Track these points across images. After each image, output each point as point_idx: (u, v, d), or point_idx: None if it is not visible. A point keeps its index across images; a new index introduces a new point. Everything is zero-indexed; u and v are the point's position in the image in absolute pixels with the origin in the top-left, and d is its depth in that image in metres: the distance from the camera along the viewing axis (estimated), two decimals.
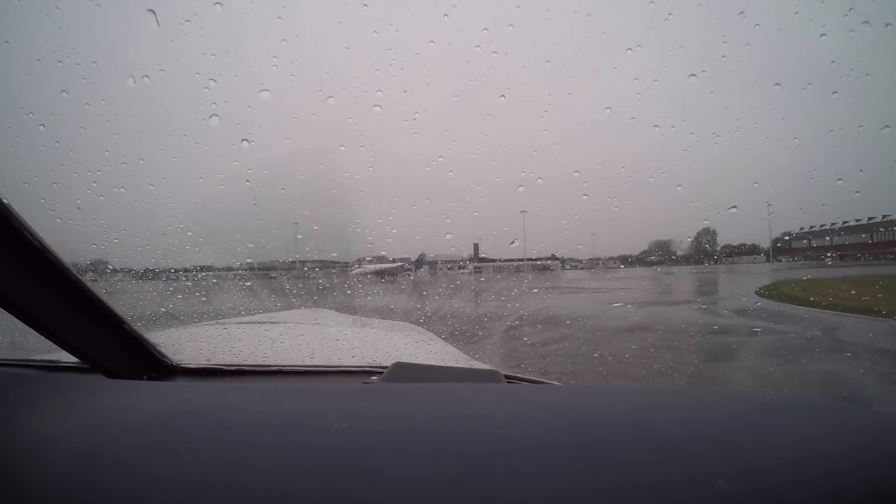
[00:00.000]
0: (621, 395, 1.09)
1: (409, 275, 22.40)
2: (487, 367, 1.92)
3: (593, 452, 0.71)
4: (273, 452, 0.72)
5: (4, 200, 0.96)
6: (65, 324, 1.18)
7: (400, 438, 0.78)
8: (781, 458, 0.67)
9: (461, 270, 24.89)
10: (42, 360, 1.57)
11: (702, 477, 0.62)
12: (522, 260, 22.72)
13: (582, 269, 29.27)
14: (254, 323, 2.86)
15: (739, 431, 0.80)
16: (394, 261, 22.17)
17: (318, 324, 3.06)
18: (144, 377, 1.42)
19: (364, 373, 1.62)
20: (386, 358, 1.90)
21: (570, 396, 1.15)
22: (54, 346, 1.21)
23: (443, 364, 2.00)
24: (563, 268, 28.50)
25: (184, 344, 1.89)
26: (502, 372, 1.46)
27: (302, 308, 6.00)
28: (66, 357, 1.36)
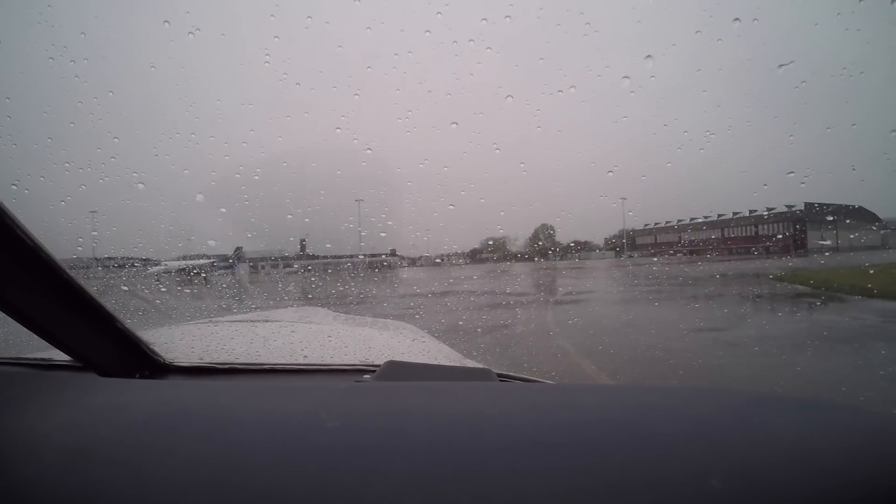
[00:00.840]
0: (614, 394, 1.10)
1: (228, 273, 19.71)
2: (480, 365, 1.92)
3: (586, 451, 0.71)
4: (265, 451, 0.73)
5: None
6: (57, 322, 1.18)
7: (392, 437, 0.79)
8: (775, 457, 0.68)
9: (286, 269, 21.77)
10: (34, 359, 1.57)
11: (695, 475, 0.63)
12: (357, 256, 20.99)
13: (422, 265, 25.36)
14: (247, 321, 2.85)
15: (733, 430, 0.80)
16: (210, 258, 19.46)
17: (310, 322, 3.05)
18: (137, 375, 1.42)
19: (357, 371, 1.62)
20: (379, 356, 1.90)
21: (563, 395, 1.15)
22: (46, 344, 1.21)
23: (436, 362, 2.00)
24: (402, 265, 25.35)
25: (176, 342, 1.88)
26: (495, 370, 1.47)
27: (295, 306, 5.99)
28: (59, 355, 1.36)
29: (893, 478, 0.63)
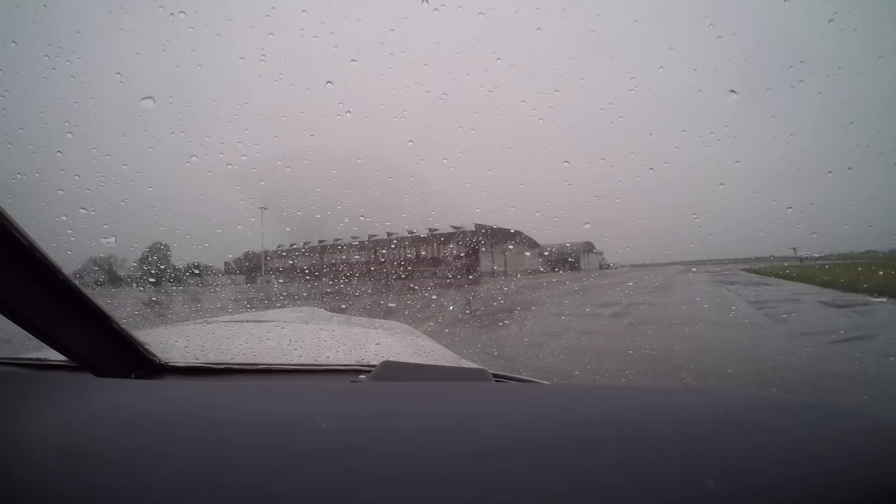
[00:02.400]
0: (610, 395, 1.10)
1: None
2: (476, 366, 1.92)
3: (581, 452, 0.72)
4: (261, 451, 0.73)
5: None
6: (53, 322, 1.18)
7: (388, 437, 0.79)
8: (770, 459, 0.68)
9: None
10: (30, 359, 1.56)
11: (690, 477, 0.63)
12: None
13: None
14: (242, 321, 2.84)
15: (728, 431, 0.81)
16: None
17: (306, 322, 3.05)
18: (133, 376, 1.42)
19: (352, 371, 1.62)
20: (374, 356, 1.90)
21: (559, 395, 1.15)
22: (42, 343, 1.21)
23: (431, 363, 2.00)
24: None
25: (172, 342, 1.88)
26: (491, 371, 1.47)
27: (291, 306, 5.99)
28: (55, 355, 1.36)
29: (888, 479, 0.64)
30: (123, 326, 1.36)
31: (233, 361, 1.67)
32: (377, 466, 0.68)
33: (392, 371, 1.37)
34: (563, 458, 0.69)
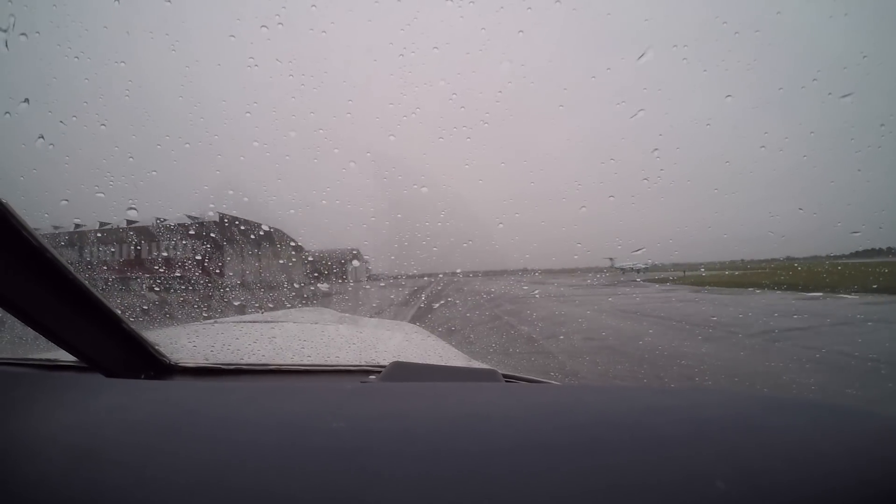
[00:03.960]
0: (619, 395, 1.09)
1: None
2: (486, 366, 1.92)
3: (591, 452, 0.71)
4: (271, 452, 0.73)
5: (3, 200, 0.96)
6: (63, 323, 1.18)
7: (398, 438, 0.78)
8: (779, 459, 0.68)
9: None
10: (41, 360, 1.57)
11: (699, 477, 0.63)
12: None
13: None
14: (251, 322, 2.85)
15: (737, 432, 0.80)
16: None
17: (315, 322, 3.06)
18: (143, 376, 1.42)
19: (362, 372, 1.62)
20: (384, 357, 1.90)
21: (569, 396, 1.15)
22: (52, 344, 1.21)
23: (441, 363, 2.00)
24: None
25: (182, 343, 1.88)
26: (501, 371, 1.47)
27: (300, 307, 6.01)
28: (65, 356, 1.37)
29: None
30: (133, 327, 1.36)
31: (242, 362, 1.68)
32: (387, 467, 0.67)
33: (402, 371, 1.37)
34: (574, 458, 0.69)
